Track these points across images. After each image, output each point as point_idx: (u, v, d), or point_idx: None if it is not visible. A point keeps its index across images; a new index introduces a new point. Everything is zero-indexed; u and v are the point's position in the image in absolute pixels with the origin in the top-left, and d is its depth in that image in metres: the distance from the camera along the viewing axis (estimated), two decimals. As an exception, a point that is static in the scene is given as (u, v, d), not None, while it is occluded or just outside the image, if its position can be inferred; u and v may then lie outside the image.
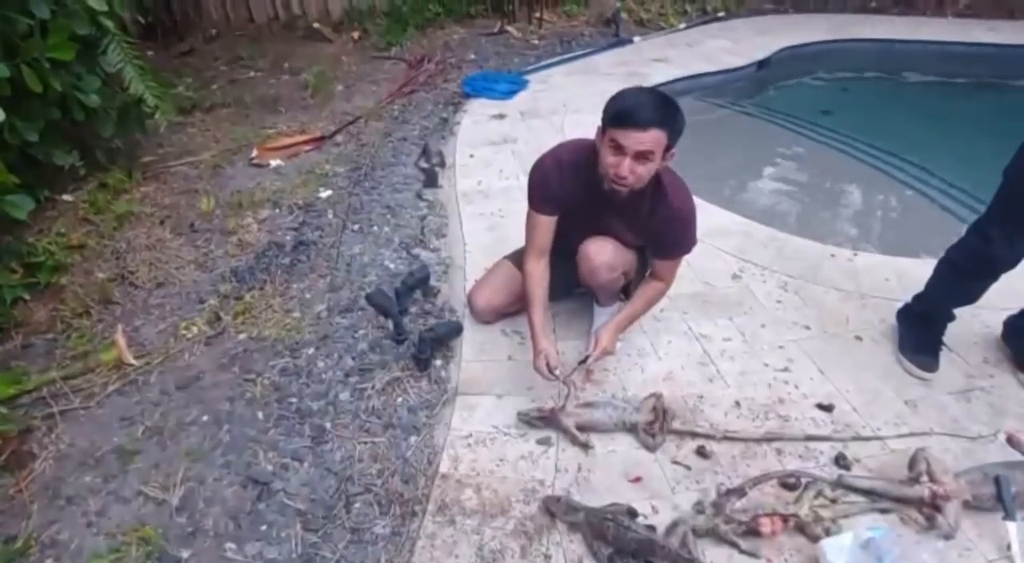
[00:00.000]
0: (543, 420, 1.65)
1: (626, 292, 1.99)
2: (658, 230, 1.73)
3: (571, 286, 2.04)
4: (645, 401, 1.68)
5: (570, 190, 1.74)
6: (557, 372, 1.68)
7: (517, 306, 2.05)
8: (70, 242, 2.47)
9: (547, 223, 1.79)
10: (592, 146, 1.67)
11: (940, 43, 4.86)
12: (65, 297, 2.23)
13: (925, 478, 1.45)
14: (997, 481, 1.41)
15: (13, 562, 1.44)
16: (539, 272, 1.81)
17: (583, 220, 1.79)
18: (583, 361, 1.76)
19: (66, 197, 2.77)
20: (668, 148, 1.57)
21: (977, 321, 2.04)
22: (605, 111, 1.59)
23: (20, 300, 2.17)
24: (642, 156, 1.53)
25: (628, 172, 1.55)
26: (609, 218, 1.77)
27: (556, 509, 1.45)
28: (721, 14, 5.57)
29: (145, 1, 3.02)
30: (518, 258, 2.02)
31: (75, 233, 2.54)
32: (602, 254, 1.80)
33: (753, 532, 1.37)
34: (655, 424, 1.63)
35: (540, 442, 1.65)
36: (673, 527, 1.38)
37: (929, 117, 4.24)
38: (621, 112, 1.54)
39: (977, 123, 4.16)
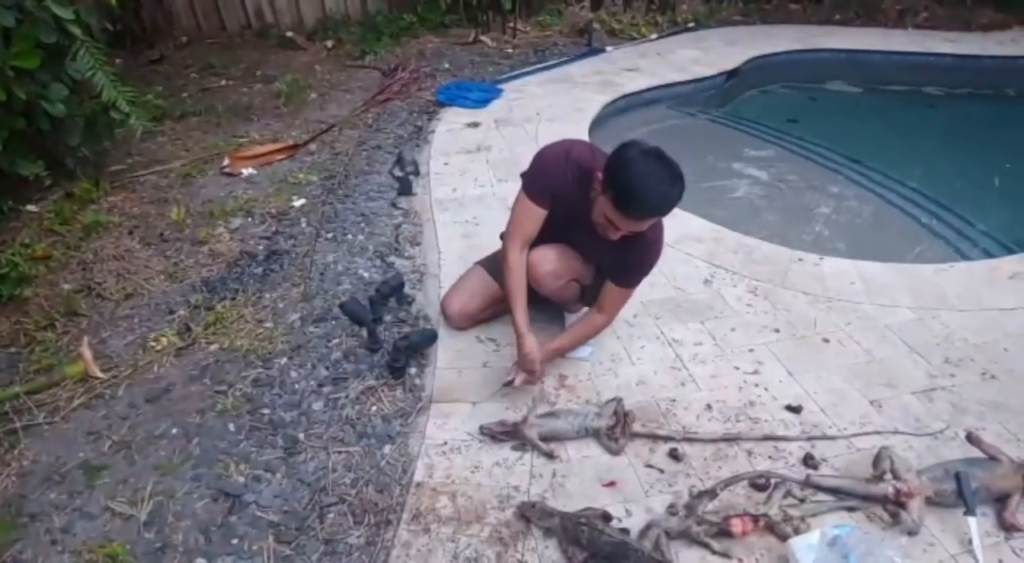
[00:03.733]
0: (506, 434, 1.66)
1: (585, 298, 1.99)
2: (624, 248, 1.71)
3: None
4: (606, 406, 1.70)
5: (567, 189, 1.71)
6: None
7: (491, 311, 2.06)
8: (35, 253, 2.41)
9: (538, 214, 1.76)
10: (593, 156, 1.69)
11: (901, 54, 5.01)
12: (29, 310, 2.18)
13: (889, 476, 1.48)
14: (958, 477, 1.45)
15: (-27, 583, 1.40)
16: (522, 265, 1.78)
17: (562, 223, 1.78)
18: (508, 383, 1.76)
19: (31, 207, 2.71)
20: None
21: (937, 322, 2.10)
22: (621, 189, 1.52)
23: (-19, 313, 2.12)
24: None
25: (618, 237, 1.62)
26: (585, 231, 1.73)
27: (531, 515, 1.45)
28: (691, 25, 5.66)
29: (114, 8, 2.96)
30: (491, 264, 2.04)
31: (40, 244, 2.49)
32: (545, 263, 1.82)
33: (724, 533, 1.39)
34: (617, 428, 1.64)
35: (515, 448, 1.65)
36: (646, 530, 1.40)
37: (891, 125, 4.37)
38: (640, 209, 1.54)
39: (937, 130, 4.30)
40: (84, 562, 1.43)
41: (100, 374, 1.93)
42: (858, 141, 3.95)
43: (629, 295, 1.85)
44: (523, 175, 1.80)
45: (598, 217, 1.63)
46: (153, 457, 1.69)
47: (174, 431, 1.77)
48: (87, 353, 1.96)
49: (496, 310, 2.06)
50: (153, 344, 2.06)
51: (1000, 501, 1.47)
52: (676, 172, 1.53)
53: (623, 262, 1.76)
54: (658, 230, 1.73)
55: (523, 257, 1.79)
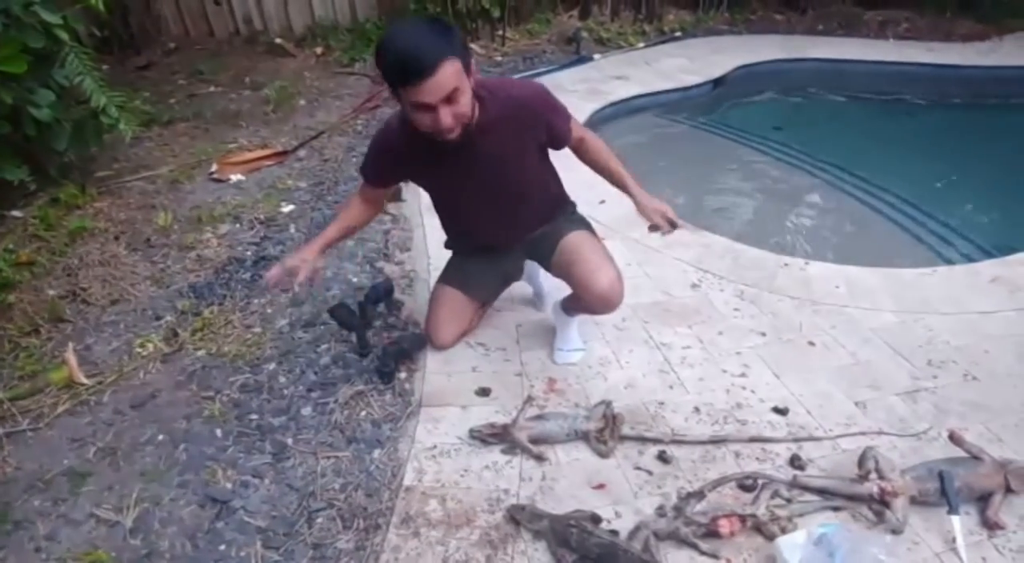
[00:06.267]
0: (495, 436, 1.66)
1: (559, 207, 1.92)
2: (535, 120, 1.61)
3: (509, 278, 2.07)
4: (595, 409, 1.71)
5: (417, 152, 1.61)
6: (295, 282, 1.67)
7: (475, 325, 2.07)
8: (19, 259, 2.39)
9: (369, 191, 1.81)
10: None
11: (883, 63, 5.10)
12: (13, 316, 2.16)
13: (874, 476, 1.50)
14: (941, 477, 1.47)
15: (-46, 592, 1.37)
16: (358, 206, 1.83)
17: (459, 181, 1.68)
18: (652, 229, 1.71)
19: (15, 213, 2.68)
20: (467, 67, 1.42)
21: (920, 325, 2.13)
22: (384, 71, 1.39)
23: (-36, 319, 2.09)
24: (451, 97, 1.39)
25: (449, 119, 1.42)
26: (484, 163, 1.62)
27: (521, 517, 1.45)
28: (678, 34, 5.73)
29: (101, 14, 2.95)
30: (454, 278, 2.00)
31: (24, 250, 2.46)
32: (608, 278, 1.72)
33: (713, 533, 1.40)
34: (605, 431, 1.65)
35: (504, 452, 1.66)
36: (635, 531, 1.40)
37: (875, 132, 4.44)
38: (400, 69, 1.36)
39: (918, 138, 4.37)
40: (68, 570, 1.41)
41: (85, 380, 1.91)
42: (842, 148, 4.01)
43: (576, 124, 1.74)
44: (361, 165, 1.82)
45: (422, 126, 1.46)
46: (139, 463, 1.67)
47: (160, 437, 1.75)
48: (72, 359, 1.95)
49: (477, 323, 2.09)
50: (139, 350, 2.04)
51: (983, 500, 1.49)
52: (421, 20, 1.48)
53: (542, 124, 1.65)
54: (517, 85, 1.68)
55: (363, 203, 1.83)
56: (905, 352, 2.02)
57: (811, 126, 4.53)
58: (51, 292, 2.29)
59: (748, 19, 6.16)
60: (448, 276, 2.02)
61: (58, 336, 2.10)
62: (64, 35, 2.51)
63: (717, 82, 4.72)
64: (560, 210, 1.92)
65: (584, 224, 1.92)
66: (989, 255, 2.73)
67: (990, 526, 1.45)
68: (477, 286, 2.00)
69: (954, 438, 1.59)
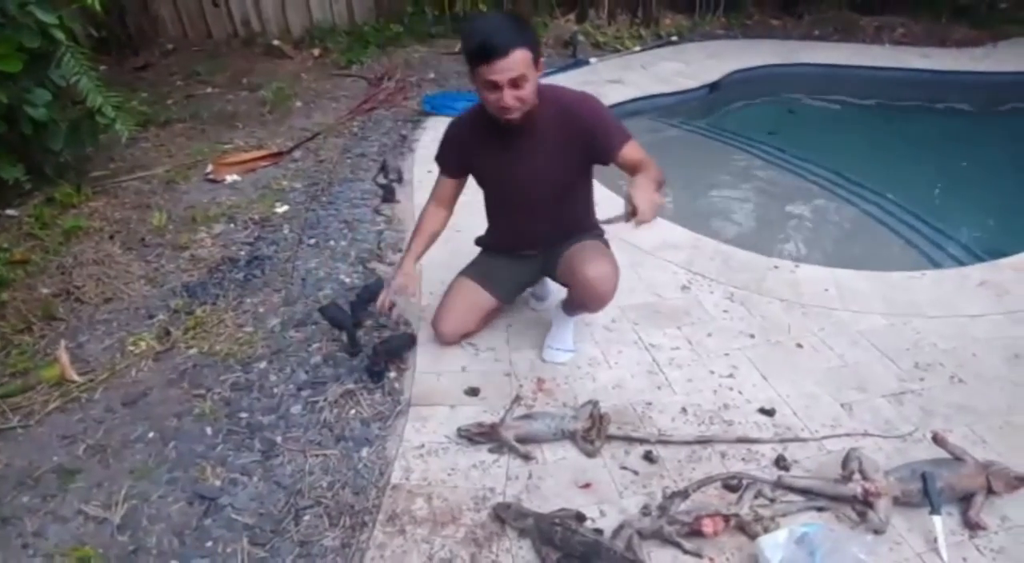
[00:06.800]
0: (483, 435, 1.67)
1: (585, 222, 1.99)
2: (582, 131, 1.72)
3: (525, 284, 2.13)
4: (582, 408, 1.72)
5: (478, 137, 1.80)
6: (402, 298, 1.82)
7: (479, 329, 2.08)
8: (12, 257, 2.40)
9: (447, 184, 1.93)
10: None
11: (877, 68, 5.13)
12: (6, 313, 2.16)
13: (857, 476, 1.51)
14: (923, 477, 1.48)
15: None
16: (434, 213, 1.96)
17: (510, 169, 1.82)
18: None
19: (10, 212, 2.70)
20: (536, 61, 1.60)
21: (909, 328, 2.15)
22: (464, 52, 1.61)
23: (-43, 317, 2.10)
24: (517, 82, 1.57)
25: (511, 100, 1.59)
26: (531, 157, 1.77)
27: (506, 516, 1.46)
28: (674, 38, 5.77)
29: (98, 15, 2.97)
30: (476, 272, 2.05)
31: (18, 248, 2.47)
32: (601, 269, 1.79)
33: (696, 533, 1.41)
34: (592, 430, 1.66)
35: (492, 451, 1.67)
36: (619, 530, 1.41)
37: (868, 137, 4.47)
38: (478, 48, 1.55)
39: (911, 143, 4.40)
40: (56, 565, 1.42)
41: (77, 378, 1.92)
42: (835, 152, 4.03)
43: (637, 146, 1.73)
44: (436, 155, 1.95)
45: (487, 102, 1.64)
46: (128, 461, 1.68)
47: (150, 435, 1.76)
48: (64, 357, 1.96)
49: (489, 324, 2.10)
50: (131, 348, 2.05)
51: (965, 500, 1.50)
52: (503, 14, 1.64)
53: (599, 135, 1.72)
54: (578, 95, 1.76)
55: (438, 208, 1.96)
56: (892, 354, 2.03)
57: (804, 131, 4.56)
58: (45, 290, 2.30)
59: (744, 24, 6.20)
60: (471, 270, 2.08)
61: (51, 334, 2.11)
62: (60, 35, 2.52)
63: (712, 86, 4.75)
64: (586, 231, 1.97)
65: (602, 240, 1.97)
66: (979, 259, 2.75)
67: (971, 526, 1.46)
68: (497, 282, 2.04)
69: (937, 440, 1.60)
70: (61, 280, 2.36)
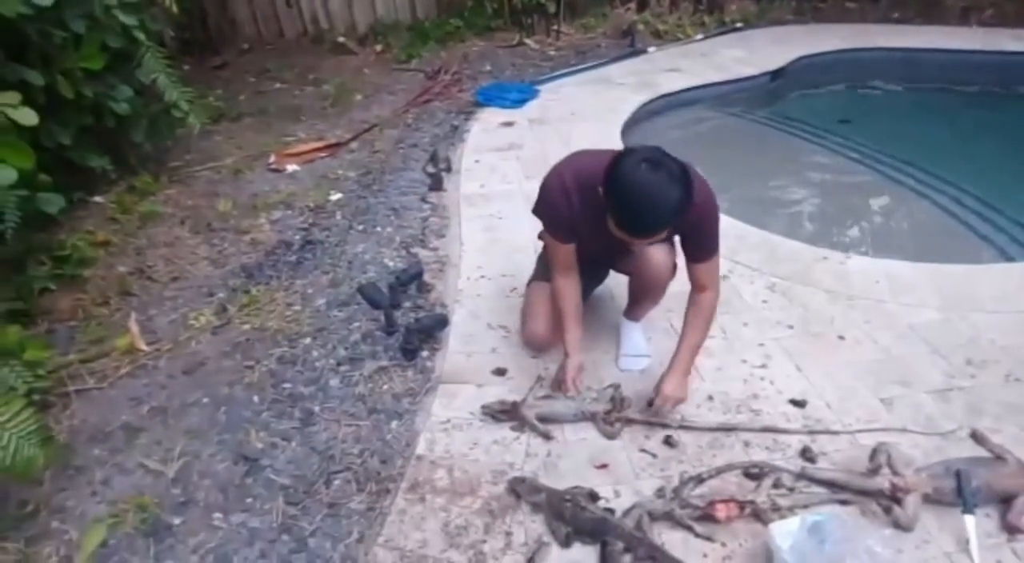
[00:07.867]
0: (505, 413, 1.72)
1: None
2: (683, 222, 1.57)
3: (595, 283, 2.11)
4: (604, 391, 1.73)
5: (579, 218, 1.66)
6: (574, 393, 1.72)
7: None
8: (96, 239, 2.65)
9: (568, 248, 1.76)
10: (600, 169, 1.51)
11: (961, 52, 4.77)
12: (88, 288, 2.40)
13: (886, 470, 1.46)
14: (958, 475, 1.42)
15: (23, 524, 1.57)
16: (570, 287, 1.79)
17: (605, 238, 1.62)
18: (650, 403, 1.69)
19: (97, 198, 2.97)
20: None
21: (965, 323, 2.03)
22: (612, 210, 1.48)
23: (47, 290, 2.34)
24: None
25: (640, 247, 1.62)
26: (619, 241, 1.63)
27: (521, 490, 1.51)
28: (739, 25, 5.57)
29: (178, 17, 3.21)
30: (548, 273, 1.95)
31: (101, 231, 2.72)
32: (657, 248, 1.75)
33: (708, 517, 1.41)
34: (612, 413, 1.68)
35: (513, 429, 1.71)
36: (630, 510, 1.43)
37: (947, 125, 4.19)
38: (631, 226, 1.48)
39: (995, 131, 4.09)
40: (117, 511, 1.58)
41: (145, 347, 2.11)
42: (911, 142, 3.80)
43: (718, 261, 1.73)
44: (535, 212, 1.76)
45: (615, 231, 1.53)
46: (185, 422, 1.84)
47: (205, 400, 1.92)
48: (134, 328, 2.16)
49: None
50: (193, 322, 2.23)
51: (1005, 502, 1.42)
52: (675, 176, 1.42)
53: (691, 237, 1.67)
54: (702, 194, 1.57)
55: (569, 280, 1.80)
56: (943, 350, 1.93)
57: (879, 119, 4.32)
58: (121, 269, 2.53)
59: (817, 8, 5.91)
60: (547, 275, 1.93)
61: (124, 308, 2.33)
62: (141, 35, 2.75)
63: (776, 74, 4.57)
64: None
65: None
66: (1056, 253, 2.55)
67: (1010, 529, 1.38)
68: None
69: (977, 437, 1.52)
70: (136, 260, 2.59)
